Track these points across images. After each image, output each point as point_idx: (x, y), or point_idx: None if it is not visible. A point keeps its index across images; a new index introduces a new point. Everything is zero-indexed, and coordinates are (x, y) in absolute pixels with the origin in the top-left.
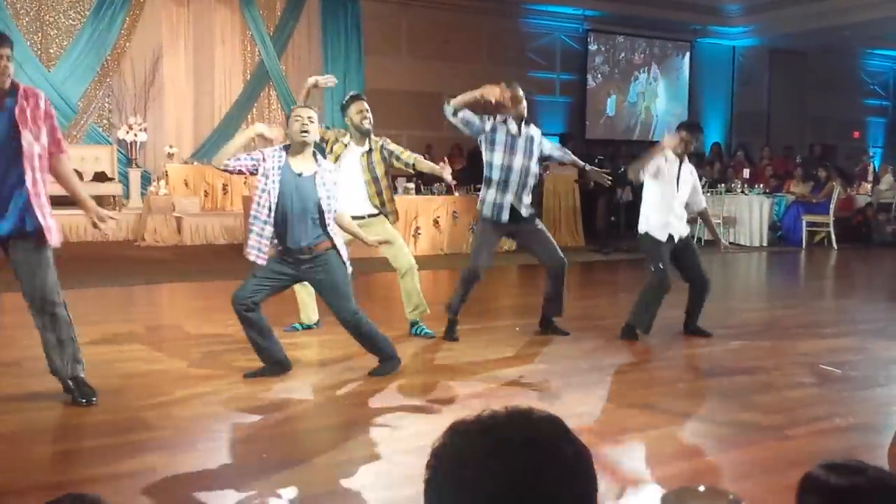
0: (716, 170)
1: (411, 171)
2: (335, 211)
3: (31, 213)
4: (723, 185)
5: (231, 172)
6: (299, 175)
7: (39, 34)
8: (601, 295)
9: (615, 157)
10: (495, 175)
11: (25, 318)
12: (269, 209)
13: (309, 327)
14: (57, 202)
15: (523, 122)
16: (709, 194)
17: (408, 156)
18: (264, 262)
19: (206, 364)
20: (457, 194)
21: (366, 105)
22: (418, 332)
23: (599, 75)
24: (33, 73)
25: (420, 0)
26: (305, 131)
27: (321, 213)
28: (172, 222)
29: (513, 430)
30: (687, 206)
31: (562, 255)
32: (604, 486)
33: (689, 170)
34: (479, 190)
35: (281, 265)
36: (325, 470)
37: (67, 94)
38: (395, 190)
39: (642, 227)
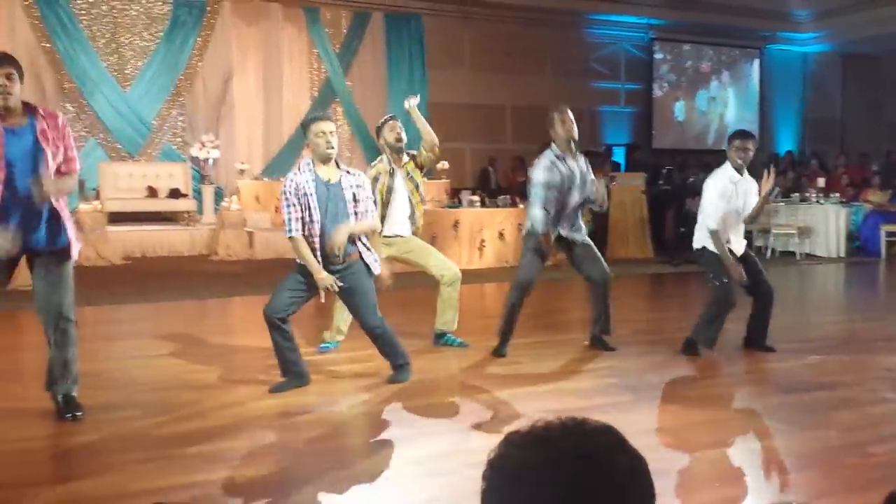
0: (789, 179)
1: (428, 151)
2: (365, 218)
3: (59, 229)
4: (797, 194)
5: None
6: (328, 182)
7: (115, 56)
8: (671, 308)
9: (684, 167)
10: (549, 208)
11: (104, 330)
12: (315, 222)
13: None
14: (129, 218)
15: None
16: (782, 204)
17: (422, 145)
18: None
19: (275, 376)
20: (521, 206)
21: (399, 124)
22: (449, 342)
23: (665, 84)
24: (110, 94)
25: (482, 13)
26: (331, 146)
27: (349, 219)
28: (244, 237)
29: (566, 443)
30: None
31: (607, 268)
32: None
33: (749, 186)
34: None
35: (309, 275)
36: (393, 482)
37: (142, 114)
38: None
39: (699, 243)
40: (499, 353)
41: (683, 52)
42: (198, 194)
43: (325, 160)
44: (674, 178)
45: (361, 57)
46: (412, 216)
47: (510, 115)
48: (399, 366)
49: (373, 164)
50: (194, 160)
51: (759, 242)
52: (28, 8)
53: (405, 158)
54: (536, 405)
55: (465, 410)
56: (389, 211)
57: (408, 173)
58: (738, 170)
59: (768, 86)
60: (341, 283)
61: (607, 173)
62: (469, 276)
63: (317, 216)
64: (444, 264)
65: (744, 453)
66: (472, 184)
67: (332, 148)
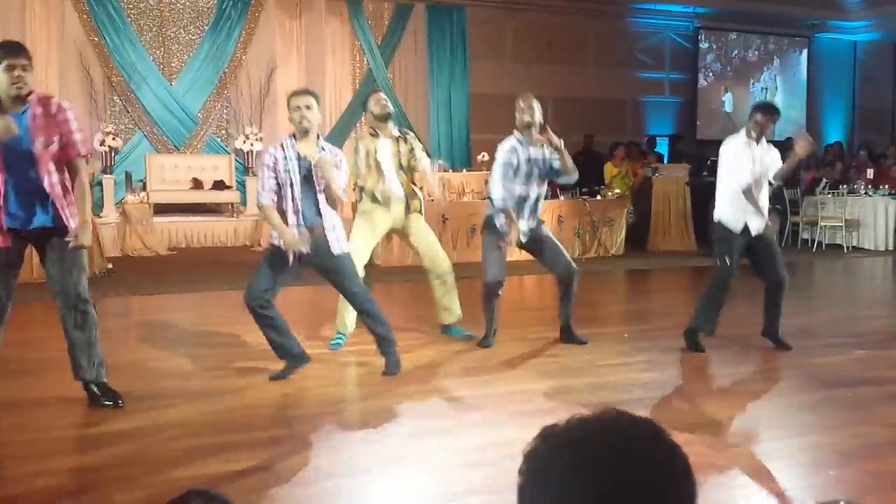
0: (837, 170)
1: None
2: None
3: (55, 213)
4: (845, 186)
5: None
6: (305, 159)
7: (162, 49)
8: None
9: None
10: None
11: (149, 319)
12: (292, 197)
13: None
14: (175, 209)
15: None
16: (830, 196)
17: (421, 159)
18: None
19: (321, 366)
20: (562, 198)
21: (383, 97)
22: (454, 332)
23: (711, 74)
24: (156, 87)
25: (524, 4)
26: (305, 119)
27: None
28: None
29: (602, 437)
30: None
31: (572, 262)
32: (721, 501)
33: (767, 153)
34: (585, 194)
35: (281, 253)
36: (432, 472)
37: (188, 106)
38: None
39: (716, 215)
40: (485, 343)
41: (730, 42)
42: (241, 186)
43: (302, 134)
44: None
45: (403, 49)
46: (407, 195)
47: (552, 107)
48: (386, 343)
49: (358, 142)
50: (238, 152)
51: (805, 235)
52: (77, 2)
53: (395, 132)
54: (574, 398)
55: (503, 402)
56: (385, 180)
57: (398, 150)
58: (754, 140)
59: (817, 75)
60: (307, 251)
61: (649, 164)
62: (508, 268)
63: (297, 192)
64: (437, 256)
65: (786, 450)
66: None
67: (308, 122)
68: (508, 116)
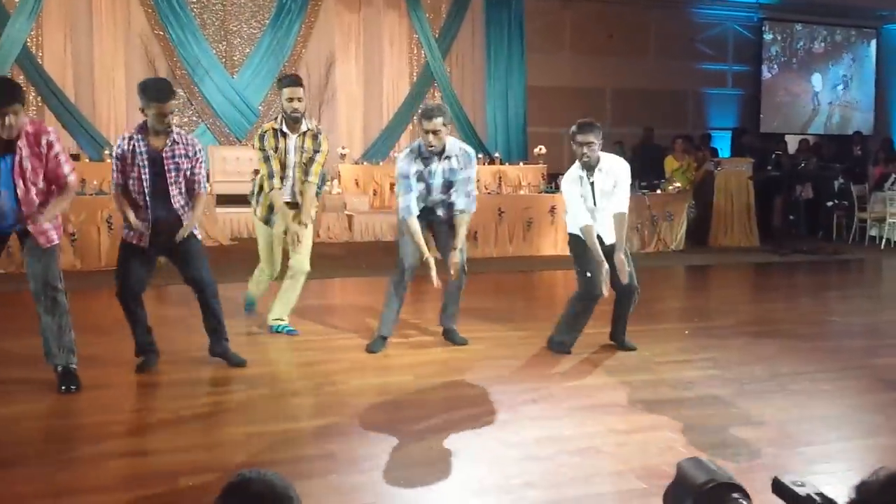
0: None
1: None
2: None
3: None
4: None
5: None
6: (157, 150)
7: (224, 43)
8: (777, 299)
9: (795, 152)
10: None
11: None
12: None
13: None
14: (236, 200)
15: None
16: (891, 191)
17: (315, 171)
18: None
19: (379, 357)
20: None
21: (298, 93)
22: (279, 329)
23: (775, 66)
24: (219, 80)
25: None
26: (167, 124)
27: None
28: (344, 220)
29: None
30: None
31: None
32: None
33: (605, 171)
34: (645, 188)
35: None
36: (490, 464)
37: (250, 99)
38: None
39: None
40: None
41: (795, 33)
42: None
43: (158, 127)
44: (783, 164)
45: (460, 41)
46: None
47: (610, 99)
48: (217, 338)
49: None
50: None
51: (873, 232)
52: None
53: (303, 128)
54: (632, 395)
55: (560, 397)
56: (287, 174)
57: (302, 144)
58: (584, 166)
59: (885, 67)
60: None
61: (706, 158)
62: (565, 262)
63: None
64: (302, 256)
65: (853, 451)
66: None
67: (165, 120)
68: (566, 109)
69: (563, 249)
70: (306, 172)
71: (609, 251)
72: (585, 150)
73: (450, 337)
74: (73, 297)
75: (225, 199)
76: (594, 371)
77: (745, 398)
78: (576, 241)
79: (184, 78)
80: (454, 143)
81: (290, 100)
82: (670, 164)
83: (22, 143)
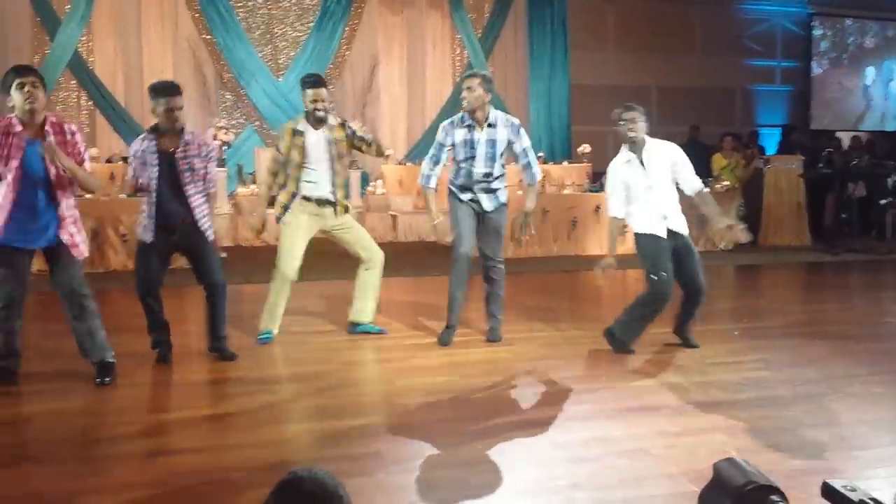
0: None
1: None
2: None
3: (63, 231)
4: None
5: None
6: (169, 151)
7: (270, 46)
8: (829, 300)
9: (847, 149)
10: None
11: (261, 307)
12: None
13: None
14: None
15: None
16: None
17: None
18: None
19: (422, 355)
20: None
21: (322, 94)
22: (364, 329)
23: (825, 61)
24: (265, 83)
25: None
26: (175, 119)
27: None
28: (388, 220)
29: None
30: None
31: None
32: None
33: (654, 152)
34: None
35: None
36: (536, 466)
37: (295, 102)
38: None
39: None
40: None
41: (846, 28)
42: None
43: (169, 128)
44: (835, 161)
45: (503, 41)
46: (342, 188)
47: (655, 96)
48: (216, 338)
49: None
50: None
51: None
52: (190, 2)
53: (332, 122)
54: (683, 396)
55: (608, 398)
56: (307, 173)
57: (333, 137)
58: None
59: None
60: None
61: (755, 155)
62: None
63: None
64: (372, 245)
65: None
66: None
67: (177, 120)
68: (610, 107)
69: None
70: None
71: (679, 244)
72: (631, 126)
73: (490, 336)
74: (123, 297)
75: (272, 200)
76: (643, 372)
77: (796, 401)
78: (646, 241)
79: (231, 81)
80: (498, 113)
81: (314, 101)
82: (718, 161)
83: (49, 128)
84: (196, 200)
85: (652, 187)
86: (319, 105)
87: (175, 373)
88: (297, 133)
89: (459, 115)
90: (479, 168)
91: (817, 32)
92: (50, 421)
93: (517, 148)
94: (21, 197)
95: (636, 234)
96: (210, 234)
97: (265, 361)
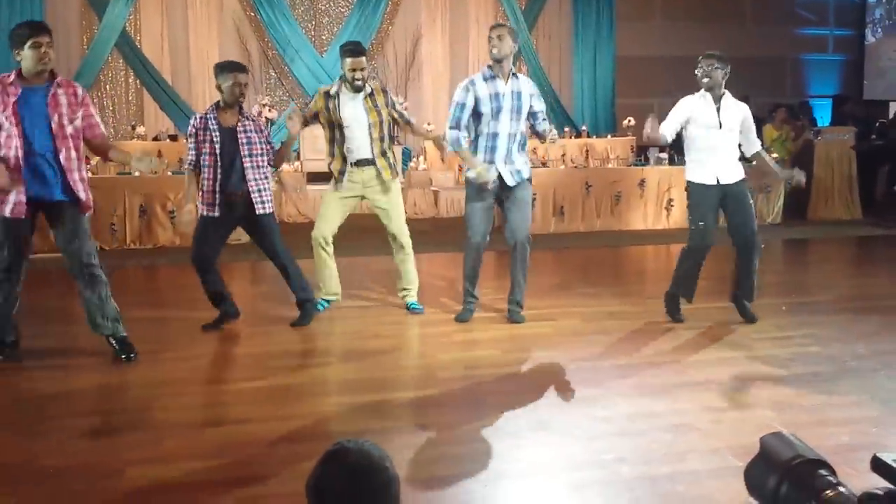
0: None
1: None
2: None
3: (65, 186)
4: None
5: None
6: (230, 126)
7: (313, 22)
8: (880, 273)
9: None
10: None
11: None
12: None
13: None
14: (326, 178)
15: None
16: None
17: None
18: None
19: (464, 330)
20: None
21: (360, 63)
22: (409, 307)
23: (880, 30)
24: (308, 59)
25: None
26: (240, 94)
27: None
28: (430, 196)
29: None
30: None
31: (527, 230)
32: None
33: (729, 103)
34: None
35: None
36: (581, 439)
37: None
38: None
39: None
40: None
41: None
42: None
43: (230, 104)
44: (888, 133)
45: (547, 12)
46: (383, 155)
47: None
48: (303, 301)
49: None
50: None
51: None
52: None
53: (368, 90)
54: (728, 371)
55: (652, 373)
56: (346, 135)
57: (374, 104)
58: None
59: None
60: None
61: (805, 127)
62: (654, 237)
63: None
64: (402, 235)
65: None
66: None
67: (241, 95)
68: (656, 79)
69: (654, 223)
70: (391, 132)
71: (729, 193)
72: (708, 70)
73: (510, 316)
74: (172, 273)
75: (315, 177)
76: (687, 347)
77: (845, 376)
78: (694, 189)
79: (275, 58)
80: (518, 73)
81: (353, 70)
82: (769, 133)
83: (58, 80)
84: (253, 174)
85: (720, 128)
86: (358, 74)
87: (223, 346)
88: (329, 96)
89: (479, 73)
90: (504, 126)
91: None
92: (101, 393)
93: (537, 107)
94: (29, 146)
95: (688, 182)
96: (267, 208)
97: (310, 335)
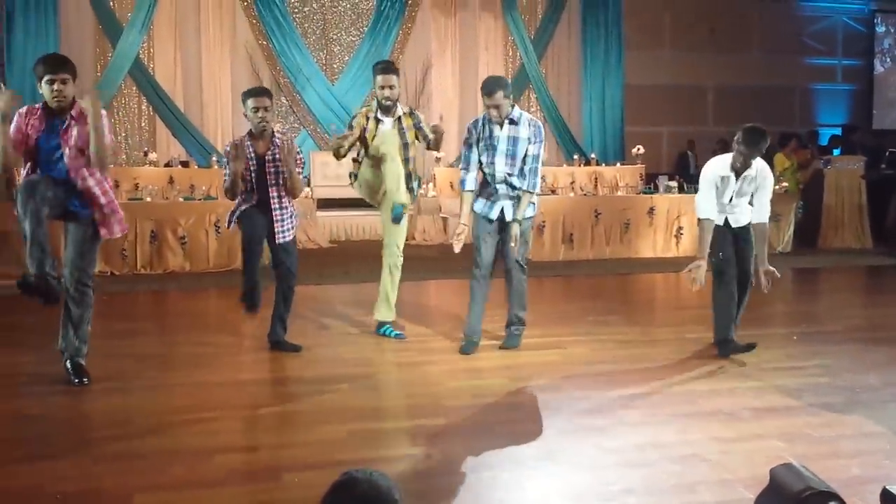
0: None
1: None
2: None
3: (84, 204)
4: None
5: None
6: (261, 154)
7: (325, 51)
8: (891, 303)
9: None
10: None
11: (313, 308)
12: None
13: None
14: (336, 204)
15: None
16: None
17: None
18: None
19: (471, 358)
20: None
21: (392, 81)
22: (386, 332)
23: (888, 60)
24: (319, 87)
25: None
26: (263, 120)
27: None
28: (439, 222)
29: None
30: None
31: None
32: None
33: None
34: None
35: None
36: (589, 470)
37: (349, 105)
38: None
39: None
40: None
41: None
42: None
43: (259, 133)
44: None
45: (556, 42)
46: (408, 178)
47: (713, 96)
48: (274, 343)
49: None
50: None
51: None
52: (247, 8)
53: (399, 112)
54: (739, 401)
55: (662, 403)
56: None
57: (401, 128)
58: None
59: None
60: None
61: (814, 156)
62: (664, 265)
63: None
64: (390, 247)
65: None
66: (669, 168)
67: (266, 123)
68: (665, 108)
69: (664, 251)
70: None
71: (738, 233)
72: (749, 160)
73: (505, 342)
74: (182, 298)
75: (325, 203)
76: (697, 377)
77: (857, 407)
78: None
79: (286, 86)
80: (520, 112)
81: (383, 87)
82: (780, 162)
83: (74, 112)
84: (278, 203)
85: (727, 205)
86: (387, 92)
87: (231, 373)
88: (374, 119)
89: (482, 115)
90: (500, 168)
91: (880, 29)
92: (109, 417)
93: (532, 151)
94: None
95: (699, 219)
96: (287, 236)
97: (318, 362)
